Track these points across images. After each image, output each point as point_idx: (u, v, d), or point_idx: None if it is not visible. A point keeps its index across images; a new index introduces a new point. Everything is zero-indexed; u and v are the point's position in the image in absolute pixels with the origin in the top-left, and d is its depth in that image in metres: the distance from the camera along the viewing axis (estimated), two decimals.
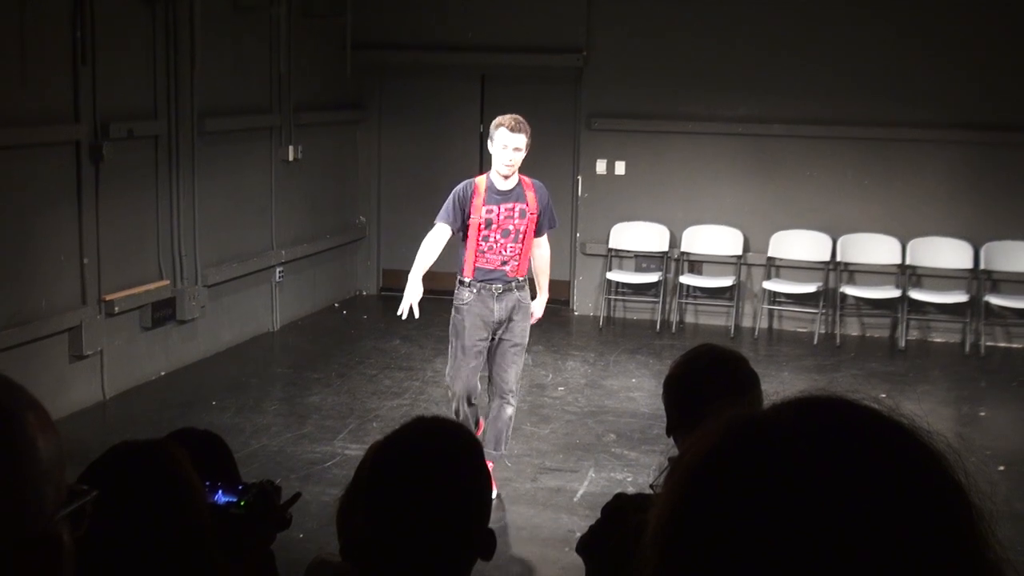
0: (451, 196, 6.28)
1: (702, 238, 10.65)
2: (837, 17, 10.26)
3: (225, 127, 9.17)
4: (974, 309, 10.00)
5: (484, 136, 11.52)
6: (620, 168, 10.91)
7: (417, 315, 6.21)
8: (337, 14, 10.83)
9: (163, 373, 8.63)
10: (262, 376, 8.81)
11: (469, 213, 6.20)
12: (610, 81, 10.82)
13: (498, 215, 6.22)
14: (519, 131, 6.24)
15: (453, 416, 6.17)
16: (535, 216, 6.29)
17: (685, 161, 10.74)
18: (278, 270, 10.14)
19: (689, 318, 10.87)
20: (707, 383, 2.70)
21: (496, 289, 6.23)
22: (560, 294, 11.39)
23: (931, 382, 9.05)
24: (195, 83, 8.68)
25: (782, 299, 10.63)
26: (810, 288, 10.31)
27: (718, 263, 10.72)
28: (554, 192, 11.12)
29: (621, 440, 7.45)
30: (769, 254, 10.51)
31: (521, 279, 6.32)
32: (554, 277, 11.35)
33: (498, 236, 6.22)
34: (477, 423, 6.50)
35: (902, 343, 10.07)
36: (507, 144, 6.21)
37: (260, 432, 7.35)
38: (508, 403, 6.40)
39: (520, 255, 6.27)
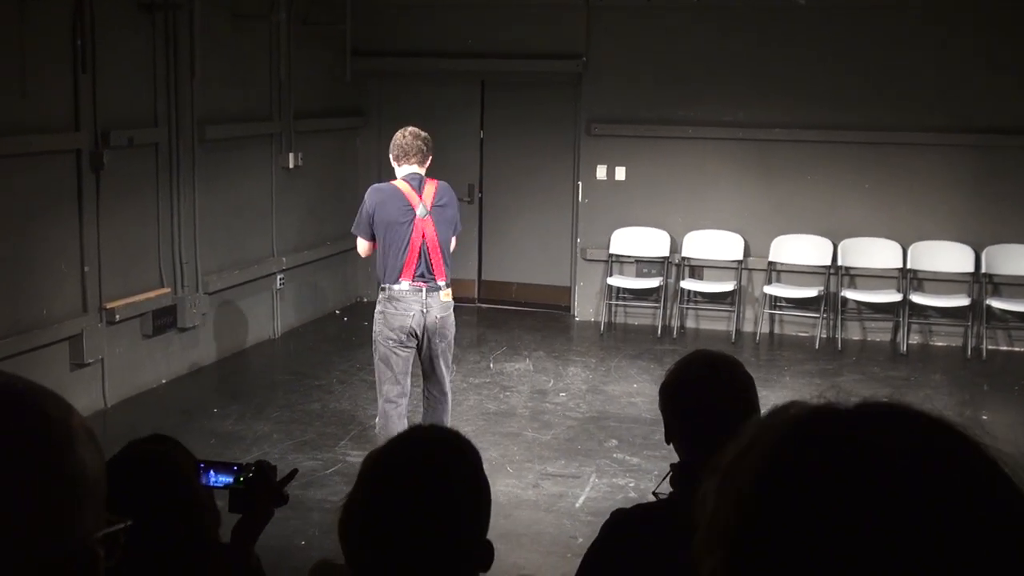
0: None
1: (703, 243, 10.65)
2: (837, 22, 10.26)
3: (225, 135, 9.17)
4: (975, 313, 10.00)
5: (484, 142, 11.60)
6: (620, 173, 10.91)
7: None
8: (336, 21, 10.85)
9: (164, 381, 8.62)
10: (263, 383, 8.80)
11: None
12: (610, 86, 10.83)
13: None
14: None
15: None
16: None
17: (685, 166, 10.74)
18: (279, 277, 10.14)
19: (690, 323, 10.87)
20: (702, 389, 2.70)
21: None
22: (561, 300, 11.40)
23: (933, 386, 9.04)
24: (195, 91, 8.69)
25: (783, 303, 10.62)
26: (811, 292, 10.31)
27: (719, 268, 10.72)
28: (554, 198, 11.22)
29: (623, 445, 7.44)
30: (770, 258, 10.51)
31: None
32: (555, 283, 11.45)
33: None
34: None
35: (903, 347, 10.06)
36: None
37: (261, 440, 7.34)
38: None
39: None
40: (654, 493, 2.65)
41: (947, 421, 0.91)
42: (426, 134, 6.62)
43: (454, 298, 6.50)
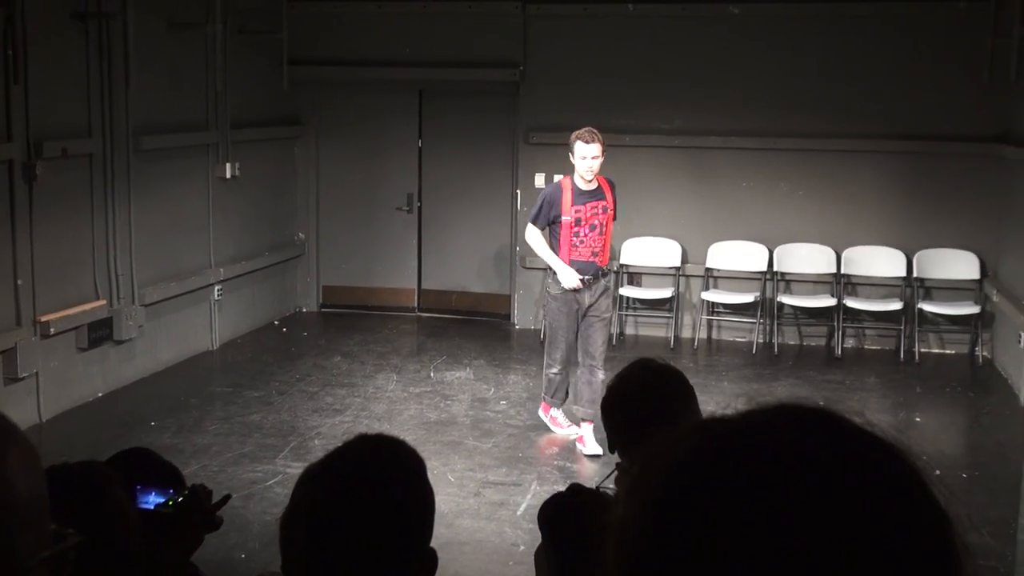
0: (541, 200, 7.49)
1: (641, 250, 10.73)
2: (769, 32, 10.41)
3: (161, 145, 9.09)
4: (908, 316, 10.17)
5: (423, 151, 11.60)
6: None
7: (585, 280, 7.40)
8: (273, 30, 10.80)
9: (100, 394, 8.52)
10: (201, 395, 8.73)
11: (560, 213, 7.37)
12: (547, 95, 10.88)
13: (585, 213, 7.35)
14: (594, 141, 7.22)
15: (552, 380, 7.61)
16: (612, 211, 7.50)
17: (622, 174, 10.72)
18: (216, 288, 10.06)
19: (629, 330, 10.94)
20: (643, 402, 2.74)
21: (587, 280, 7.40)
22: (501, 308, 11.42)
23: (867, 389, 9.19)
24: (130, 101, 8.60)
25: (720, 309, 10.74)
26: (748, 298, 10.43)
27: (657, 275, 10.81)
28: (492, 206, 11.26)
29: (563, 453, 7.47)
30: (707, 265, 10.62)
31: (605, 268, 7.59)
32: (495, 291, 11.48)
33: (587, 231, 7.39)
34: (566, 391, 7.70)
35: (838, 351, 10.21)
36: (585, 155, 7.23)
37: (200, 452, 7.28)
38: (597, 368, 7.44)
39: (604, 246, 7.51)
40: (598, 488, 2.68)
41: (862, 427, 0.87)
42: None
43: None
